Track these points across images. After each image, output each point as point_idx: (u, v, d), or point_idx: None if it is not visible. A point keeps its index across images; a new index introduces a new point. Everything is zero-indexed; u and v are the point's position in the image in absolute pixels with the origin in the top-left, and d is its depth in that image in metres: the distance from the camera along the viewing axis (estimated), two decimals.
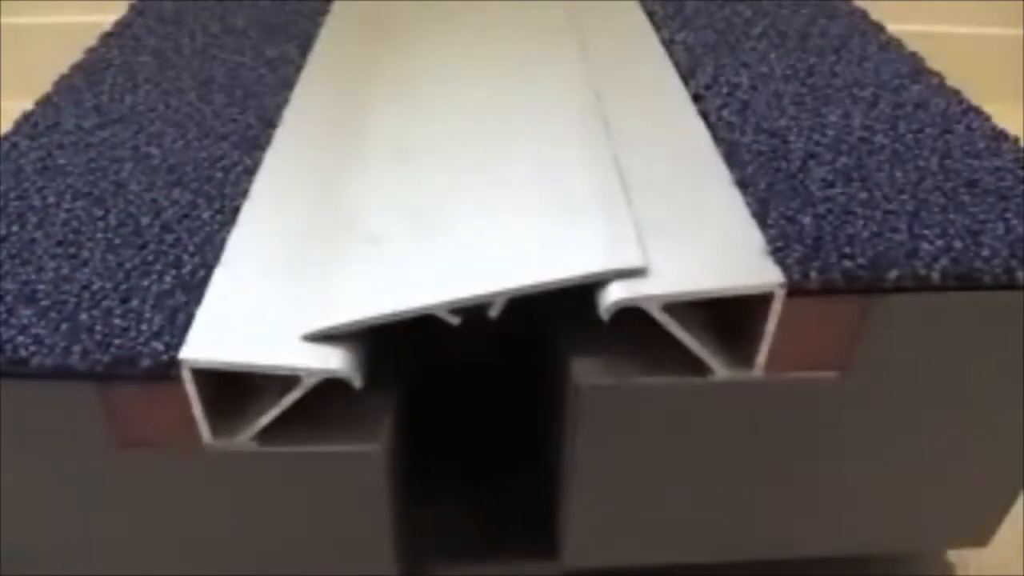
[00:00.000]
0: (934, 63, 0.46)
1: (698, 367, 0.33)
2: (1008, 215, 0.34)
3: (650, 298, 0.30)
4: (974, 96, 0.43)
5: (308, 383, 0.31)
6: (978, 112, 0.41)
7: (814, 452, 0.37)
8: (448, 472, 0.47)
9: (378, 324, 0.32)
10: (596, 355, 0.34)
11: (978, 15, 0.94)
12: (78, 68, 0.49)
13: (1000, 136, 0.39)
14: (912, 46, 0.48)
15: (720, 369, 0.33)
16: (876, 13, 0.52)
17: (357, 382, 0.31)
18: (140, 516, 0.36)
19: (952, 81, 0.44)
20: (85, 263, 0.35)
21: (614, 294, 0.31)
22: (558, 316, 0.36)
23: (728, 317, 0.33)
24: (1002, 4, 0.93)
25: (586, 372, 0.33)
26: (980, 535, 0.41)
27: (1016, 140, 0.39)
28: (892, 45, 0.48)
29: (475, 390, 0.49)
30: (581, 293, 0.32)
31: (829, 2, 0.53)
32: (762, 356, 0.32)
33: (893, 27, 0.50)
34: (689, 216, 0.34)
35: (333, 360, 0.31)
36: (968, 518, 0.40)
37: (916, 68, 0.45)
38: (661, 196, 0.35)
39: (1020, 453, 0.38)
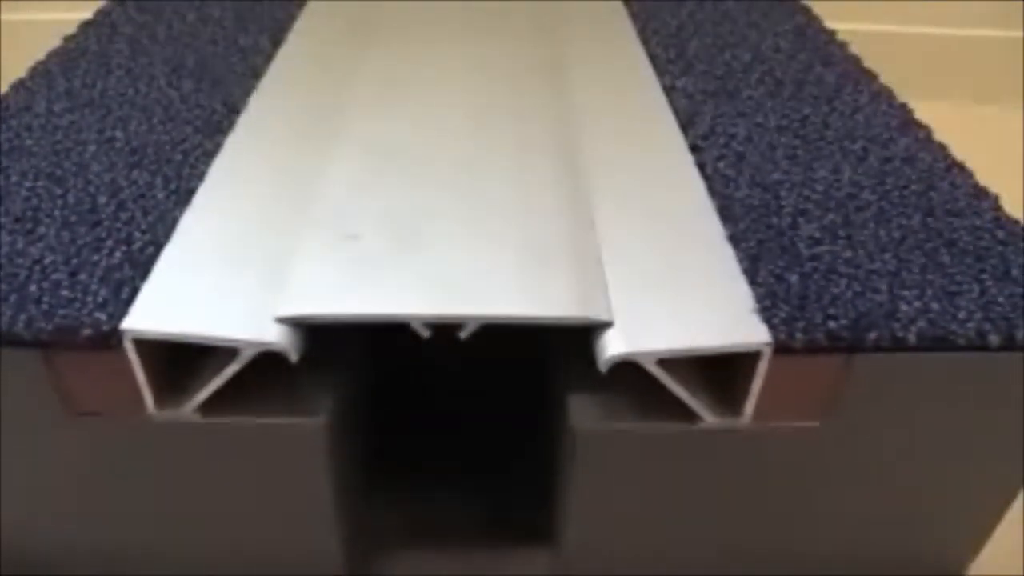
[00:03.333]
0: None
1: (690, 413, 0.35)
2: (984, 276, 0.36)
3: (646, 354, 0.33)
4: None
5: (246, 355, 0.32)
6: (962, 168, 0.43)
7: (796, 491, 0.39)
8: (450, 468, 0.48)
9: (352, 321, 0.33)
10: (593, 396, 0.36)
11: (979, 17, 0.95)
12: (54, 55, 0.51)
13: (981, 194, 0.42)
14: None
15: (710, 418, 0.35)
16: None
17: (293, 356, 0.32)
18: (93, 486, 0.37)
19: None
20: (40, 239, 0.36)
21: (612, 349, 0.33)
22: (559, 341, 0.38)
23: (718, 366, 0.35)
24: (1002, 5, 0.94)
25: (583, 415, 0.36)
26: (953, 568, 0.43)
27: (996, 198, 0.41)
28: (883, 95, 0.50)
29: (476, 389, 0.50)
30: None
31: (825, 46, 0.55)
32: (749, 406, 0.35)
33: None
34: (684, 273, 0.36)
35: (269, 334, 0.32)
36: (942, 552, 0.43)
37: (904, 120, 0.47)
38: (659, 252, 0.37)
39: (991, 496, 0.40)
